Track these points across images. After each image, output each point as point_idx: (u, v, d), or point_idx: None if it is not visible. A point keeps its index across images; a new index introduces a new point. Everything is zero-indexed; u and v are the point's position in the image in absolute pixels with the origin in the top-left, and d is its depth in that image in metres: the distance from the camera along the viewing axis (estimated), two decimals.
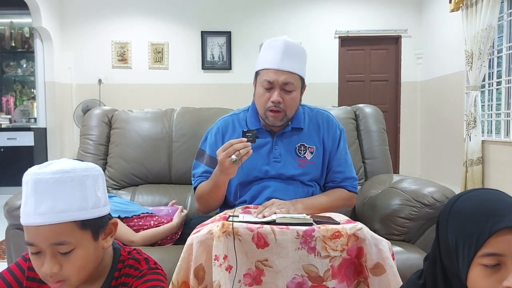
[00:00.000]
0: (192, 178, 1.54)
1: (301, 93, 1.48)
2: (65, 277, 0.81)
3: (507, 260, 0.68)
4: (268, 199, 1.37)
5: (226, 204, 1.51)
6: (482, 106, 4.27)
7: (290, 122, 1.48)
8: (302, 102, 1.58)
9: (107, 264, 0.91)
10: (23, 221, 0.80)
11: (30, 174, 0.80)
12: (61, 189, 0.79)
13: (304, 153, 1.48)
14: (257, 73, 1.46)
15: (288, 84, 1.39)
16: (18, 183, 0.83)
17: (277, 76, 1.38)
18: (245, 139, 1.26)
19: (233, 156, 1.23)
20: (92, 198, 0.83)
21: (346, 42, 5.78)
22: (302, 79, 1.44)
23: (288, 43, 1.40)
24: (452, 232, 0.74)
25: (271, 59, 1.40)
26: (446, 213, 0.77)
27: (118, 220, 1.48)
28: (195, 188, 1.51)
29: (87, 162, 0.87)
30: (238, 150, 1.23)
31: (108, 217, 0.89)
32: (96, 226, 0.84)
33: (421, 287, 0.82)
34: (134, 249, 0.98)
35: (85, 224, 0.81)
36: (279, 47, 1.39)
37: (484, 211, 0.70)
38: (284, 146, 1.47)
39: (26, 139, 5.01)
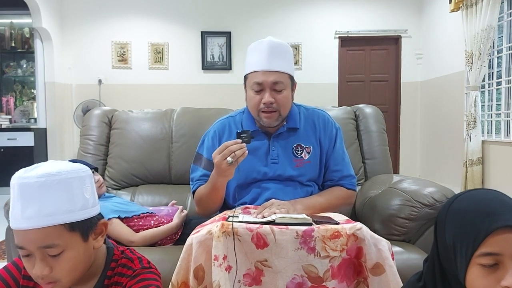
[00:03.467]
0: (190, 182, 1.54)
1: (292, 90, 1.48)
2: (56, 278, 0.81)
3: (505, 259, 0.68)
4: (268, 200, 1.37)
5: (226, 207, 1.51)
6: (482, 106, 4.27)
7: (285, 122, 1.48)
8: (298, 102, 1.58)
9: (100, 263, 0.92)
10: (12, 224, 0.80)
11: (16, 178, 0.80)
12: (47, 192, 0.79)
13: (301, 153, 1.47)
14: (245, 77, 1.47)
15: (278, 83, 1.39)
16: None
17: (265, 77, 1.38)
18: (240, 140, 1.26)
19: (229, 158, 1.23)
20: (79, 200, 0.82)
21: (346, 42, 5.78)
22: (291, 77, 1.44)
23: (273, 43, 1.41)
24: (450, 232, 0.74)
25: (257, 61, 1.40)
26: (443, 214, 0.77)
27: (118, 220, 1.50)
28: (193, 192, 1.51)
29: (74, 163, 0.86)
30: (234, 152, 1.23)
31: (98, 217, 0.89)
32: (85, 228, 0.84)
33: None
34: (128, 248, 0.98)
35: (73, 226, 0.81)
36: (264, 49, 1.40)
37: (481, 210, 0.70)
38: (281, 147, 1.47)
39: (26, 139, 5.01)
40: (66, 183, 0.81)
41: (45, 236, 0.78)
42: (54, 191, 0.79)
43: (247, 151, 1.26)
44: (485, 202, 0.71)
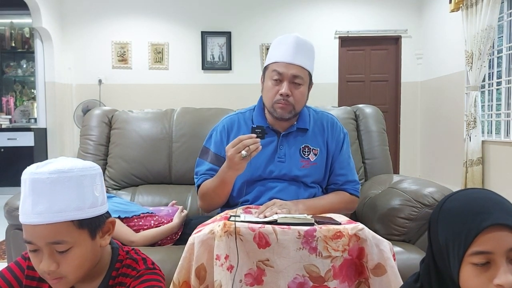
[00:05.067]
0: (195, 176, 1.53)
1: (309, 89, 1.49)
2: (63, 274, 0.82)
3: (496, 257, 0.68)
4: (271, 199, 1.37)
5: (227, 204, 1.51)
6: (482, 106, 4.27)
7: (295, 122, 1.49)
8: (307, 104, 1.58)
9: (105, 263, 0.92)
10: (21, 219, 0.81)
11: (28, 173, 0.80)
12: (58, 189, 0.79)
13: (308, 155, 1.48)
14: (265, 68, 1.47)
15: (298, 77, 1.40)
16: (18, 183, 0.83)
17: (287, 69, 1.39)
18: (254, 135, 1.26)
19: (243, 152, 1.23)
20: (89, 198, 0.83)
21: (346, 42, 5.78)
22: (310, 76, 1.46)
23: (299, 39, 1.42)
24: (442, 232, 0.74)
25: (282, 53, 1.41)
26: (436, 214, 0.78)
27: (118, 220, 1.50)
28: (198, 186, 1.50)
29: (85, 161, 0.87)
30: (248, 146, 1.23)
31: (106, 215, 0.89)
32: (93, 225, 0.85)
33: None
34: (133, 249, 0.98)
35: (82, 224, 0.82)
36: (290, 43, 1.41)
37: (471, 209, 0.71)
38: (289, 147, 1.47)
39: (26, 140, 5.01)
40: (77, 180, 0.82)
41: (54, 232, 0.79)
42: (65, 188, 0.80)
43: (260, 146, 1.26)
44: (476, 201, 0.72)
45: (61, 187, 0.80)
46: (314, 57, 1.48)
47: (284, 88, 1.39)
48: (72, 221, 0.80)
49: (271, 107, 1.43)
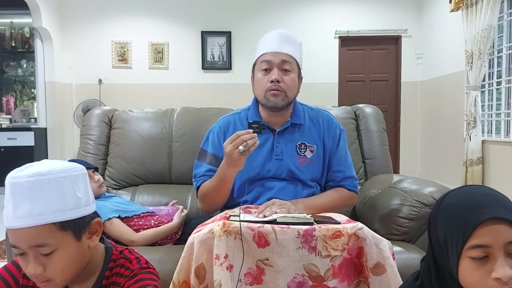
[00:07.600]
0: (193, 179, 1.53)
1: (299, 81, 1.49)
2: (50, 277, 0.81)
3: (494, 251, 0.68)
4: (270, 200, 1.37)
5: (227, 205, 1.51)
6: (482, 106, 4.27)
7: (290, 118, 1.49)
8: (302, 102, 1.58)
9: (99, 263, 0.92)
10: (5, 224, 0.80)
11: (9, 178, 0.80)
12: (37, 192, 0.79)
13: (305, 152, 1.48)
14: (254, 65, 1.48)
15: (287, 63, 1.41)
16: None
17: (274, 57, 1.41)
18: (251, 130, 1.26)
19: (241, 147, 1.23)
20: (70, 199, 0.82)
21: (346, 42, 5.79)
22: (298, 66, 1.47)
23: (283, 31, 1.46)
24: (441, 228, 0.75)
25: (268, 45, 1.44)
26: (435, 211, 0.78)
27: (118, 220, 1.50)
28: (197, 188, 1.50)
29: (67, 162, 0.86)
30: (246, 141, 1.23)
31: (91, 216, 0.88)
32: (77, 227, 0.84)
33: None
34: (126, 248, 0.98)
35: (64, 226, 0.81)
36: (275, 36, 1.45)
37: (470, 204, 0.71)
38: (285, 144, 1.48)
39: (26, 139, 5.01)
40: (57, 182, 0.81)
41: (36, 235, 0.78)
42: (45, 190, 0.79)
43: (258, 141, 1.26)
44: (474, 197, 0.73)
45: (40, 190, 0.79)
46: (300, 50, 1.50)
47: (274, 74, 1.40)
48: (54, 223, 0.80)
49: (264, 97, 1.43)
